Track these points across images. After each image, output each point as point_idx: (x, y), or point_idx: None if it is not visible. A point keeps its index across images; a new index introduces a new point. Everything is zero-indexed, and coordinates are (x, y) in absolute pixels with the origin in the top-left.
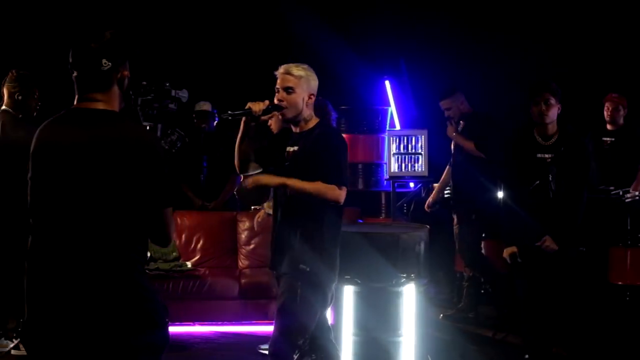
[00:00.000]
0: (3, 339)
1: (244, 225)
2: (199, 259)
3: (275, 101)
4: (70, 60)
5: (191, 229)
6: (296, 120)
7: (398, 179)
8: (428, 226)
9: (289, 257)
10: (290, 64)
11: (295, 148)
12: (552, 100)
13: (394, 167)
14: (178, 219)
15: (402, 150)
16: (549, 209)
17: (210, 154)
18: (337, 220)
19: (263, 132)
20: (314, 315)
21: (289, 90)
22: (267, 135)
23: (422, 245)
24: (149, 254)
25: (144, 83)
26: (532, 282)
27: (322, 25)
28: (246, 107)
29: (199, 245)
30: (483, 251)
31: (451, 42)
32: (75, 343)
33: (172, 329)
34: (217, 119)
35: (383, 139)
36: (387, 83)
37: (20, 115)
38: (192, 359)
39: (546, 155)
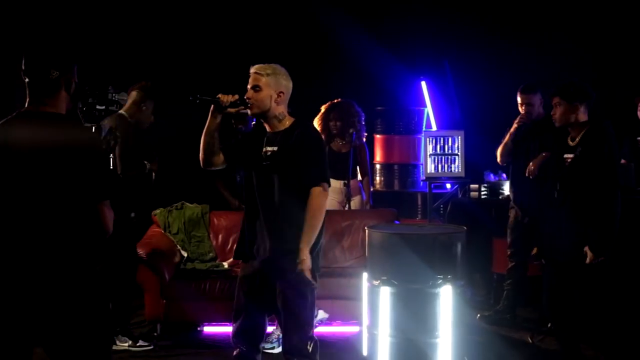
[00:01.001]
0: (120, 336)
1: None
2: (235, 259)
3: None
4: (23, 67)
5: (228, 229)
6: (266, 117)
7: (434, 180)
8: (465, 227)
9: (285, 252)
10: (261, 64)
11: (275, 148)
12: (556, 100)
13: (431, 168)
14: (215, 220)
15: (438, 151)
16: (555, 211)
17: None
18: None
19: (229, 127)
20: (314, 305)
21: (256, 88)
22: (235, 134)
23: (459, 247)
24: (185, 254)
25: (86, 88)
26: (558, 274)
27: (357, 27)
28: (216, 96)
29: (235, 246)
30: None
31: (490, 43)
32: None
33: (208, 329)
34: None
35: (419, 139)
36: (423, 84)
37: None
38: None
39: (569, 156)
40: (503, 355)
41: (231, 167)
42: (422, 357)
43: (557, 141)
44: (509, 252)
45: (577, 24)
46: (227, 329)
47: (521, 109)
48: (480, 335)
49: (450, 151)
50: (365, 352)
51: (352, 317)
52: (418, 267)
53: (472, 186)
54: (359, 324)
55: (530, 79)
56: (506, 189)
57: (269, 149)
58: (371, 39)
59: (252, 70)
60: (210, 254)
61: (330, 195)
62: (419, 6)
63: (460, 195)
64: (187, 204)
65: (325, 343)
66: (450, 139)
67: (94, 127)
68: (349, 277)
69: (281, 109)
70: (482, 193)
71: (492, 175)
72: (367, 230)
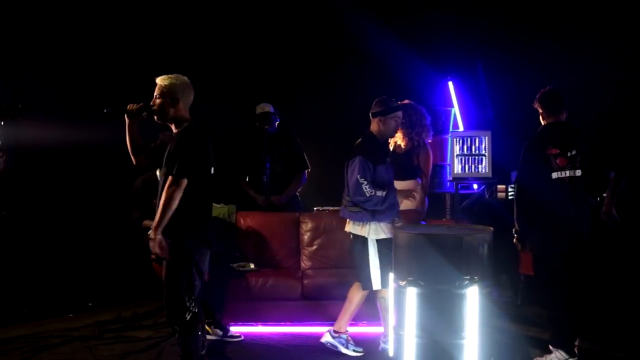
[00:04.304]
0: (213, 327)
1: (306, 227)
2: (262, 259)
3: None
4: None
5: (254, 229)
6: (167, 121)
7: (461, 180)
8: (492, 228)
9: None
10: (163, 75)
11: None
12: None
13: (458, 168)
14: (241, 220)
15: (465, 152)
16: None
17: (273, 155)
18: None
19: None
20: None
21: (155, 96)
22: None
23: (486, 247)
24: None
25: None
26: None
27: (383, 27)
28: (127, 107)
29: (262, 246)
30: None
31: (519, 43)
32: None
33: (234, 329)
34: (278, 119)
35: (446, 140)
36: (450, 84)
37: None
38: (253, 359)
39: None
40: (530, 357)
41: (154, 166)
42: (448, 358)
43: None
44: None
45: (610, 23)
46: (253, 329)
47: None
48: (507, 336)
49: (477, 151)
50: (391, 353)
51: (378, 317)
52: (444, 267)
53: (499, 187)
54: (385, 324)
55: (560, 79)
56: None
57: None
58: (397, 39)
59: (156, 80)
60: (237, 254)
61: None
62: (445, 6)
63: (487, 196)
64: (214, 204)
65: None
66: (477, 140)
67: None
68: None
69: (180, 114)
70: (509, 193)
71: None
72: (394, 232)
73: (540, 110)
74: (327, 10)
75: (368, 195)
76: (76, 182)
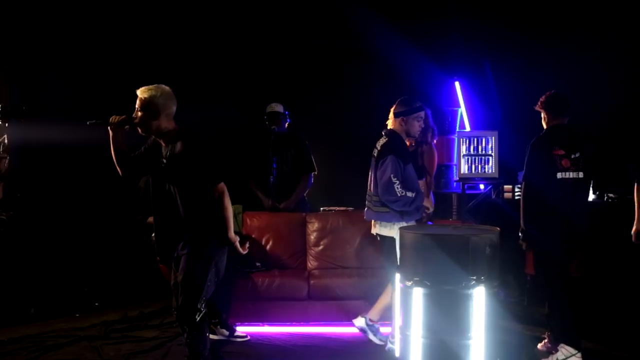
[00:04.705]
0: (219, 327)
1: (313, 227)
2: (268, 259)
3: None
4: None
5: (261, 229)
6: (151, 133)
7: (468, 181)
8: (498, 228)
9: None
10: (143, 87)
11: (164, 160)
12: (539, 108)
13: (464, 168)
14: (248, 220)
15: (472, 152)
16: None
17: (280, 156)
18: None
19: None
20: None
21: (137, 109)
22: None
23: (492, 248)
24: None
25: None
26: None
27: (389, 27)
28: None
29: (268, 246)
30: None
31: (525, 43)
32: None
33: (241, 329)
34: (288, 120)
35: (453, 140)
36: (457, 84)
37: None
38: (259, 359)
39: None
40: (536, 357)
41: (138, 175)
42: (454, 359)
43: None
44: None
45: (618, 22)
46: (259, 329)
47: None
48: (513, 336)
49: (484, 152)
50: (397, 353)
51: (384, 318)
52: (451, 268)
53: (506, 187)
54: (392, 324)
55: (568, 79)
56: None
57: (163, 160)
58: (404, 39)
59: (137, 92)
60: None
61: None
62: (452, 6)
63: (493, 196)
64: None
65: (358, 343)
66: (484, 140)
67: None
68: (381, 278)
69: (163, 126)
70: (516, 194)
71: None
72: (399, 231)
73: (545, 114)
74: (332, 10)
75: (399, 195)
76: (82, 183)
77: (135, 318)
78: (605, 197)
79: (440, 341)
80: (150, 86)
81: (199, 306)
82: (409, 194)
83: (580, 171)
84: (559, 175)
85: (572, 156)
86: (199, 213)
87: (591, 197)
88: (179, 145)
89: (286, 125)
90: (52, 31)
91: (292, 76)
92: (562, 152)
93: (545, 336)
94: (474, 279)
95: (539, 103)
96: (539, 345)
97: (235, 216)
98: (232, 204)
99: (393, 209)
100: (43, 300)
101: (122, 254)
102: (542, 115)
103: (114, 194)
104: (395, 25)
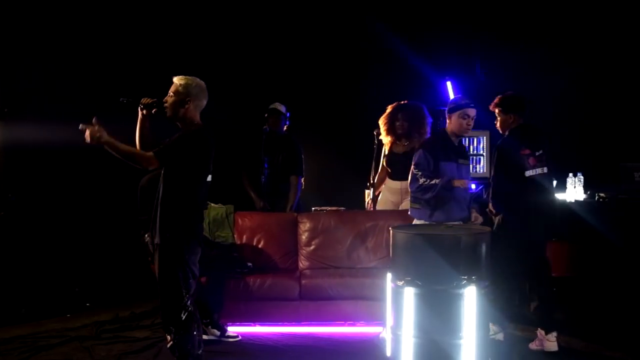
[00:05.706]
0: (210, 327)
1: (304, 227)
2: (259, 259)
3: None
4: None
5: (252, 230)
6: (177, 119)
7: None
8: (489, 228)
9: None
10: (180, 76)
11: None
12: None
13: None
14: (239, 220)
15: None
16: None
17: (272, 157)
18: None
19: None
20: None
21: (169, 94)
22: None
23: (484, 247)
24: None
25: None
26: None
27: (382, 28)
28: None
29: (259, 246)
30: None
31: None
32: None
33: (232, 329)
34: (287, 122)
35: None
36: (449, 84)
37: None
38: (250, 359)
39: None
40: (527, 357)
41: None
42: (446, 358)
43: None
44: None
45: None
46: (250, 329)
47: None
48: (505, 336)
49: (475, 151)
50: (388, 353)
51: (375, 317)
52: (442, 268)
53: None
54: (383, 324)
55: (557, 79)
56: None
57: None
58: (396, 40)
59: (173, 78)
60: (235, 254)
61: (387, 194)
62: (444, 7)
63: (485, 196)
64: (212, 204)
65: (349, 343)
66: (475, 140)
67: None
68: (373, 278)
69: (189, 115)
70: None
71: None
72: (391, 231)
73: (506, 116)
74: (324, 11)
75: (420, 182)
76: (74, 183)
77: (126, 318)
78: (597, 197)
79: (431, 341)
80: (188, 76)
81: (183, 303)
82: (433, 181)
83: (545, 166)
84: (527, 173)
85: (537, 153)
86: (172, 201)
87: (582, 196)
88: (181, 132)
89: (285, 127)
90: (36, 31)
91: (289, 76)
92: (528, 151)
93: (538, 334)
94: (465, 279)
95: (495, 105)
96: (531, 345)
97: (226, 216)
98: (224, 204)
99: (420, 202)
100: (34, 301)
101: (113, 254)
102: (501, 117)
103: (106, 194)
104: (388, 26)
